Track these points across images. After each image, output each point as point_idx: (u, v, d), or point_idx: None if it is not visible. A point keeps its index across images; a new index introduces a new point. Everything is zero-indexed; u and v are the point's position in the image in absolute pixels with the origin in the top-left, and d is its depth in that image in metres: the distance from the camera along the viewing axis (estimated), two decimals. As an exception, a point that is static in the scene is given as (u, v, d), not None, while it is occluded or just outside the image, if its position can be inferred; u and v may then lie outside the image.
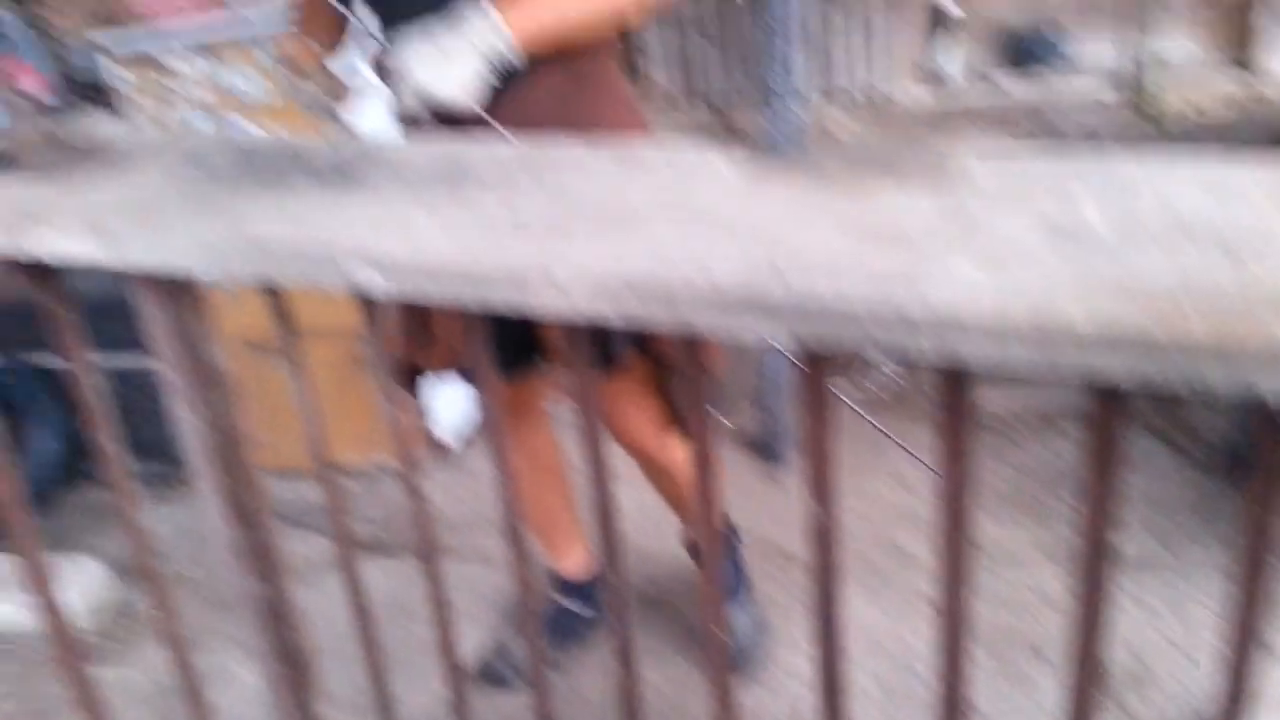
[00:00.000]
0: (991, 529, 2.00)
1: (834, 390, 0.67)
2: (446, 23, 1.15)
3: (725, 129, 2.78)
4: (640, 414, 1.47)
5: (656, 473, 1.58)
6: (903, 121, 2.64)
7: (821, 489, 0.69)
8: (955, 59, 2.58)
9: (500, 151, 0.88)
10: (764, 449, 2.33)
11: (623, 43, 2.97)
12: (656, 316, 0.60)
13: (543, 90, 1.24)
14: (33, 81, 2.63)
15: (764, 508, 2.14)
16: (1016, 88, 2.54)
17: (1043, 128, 2.53)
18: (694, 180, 0.75)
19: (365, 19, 1.21)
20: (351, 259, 0.68)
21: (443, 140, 0.96)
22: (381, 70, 1.19)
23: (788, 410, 2.23)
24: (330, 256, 0.69)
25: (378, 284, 0.68)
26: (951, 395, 0.63)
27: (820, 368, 0.65)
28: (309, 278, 0.71)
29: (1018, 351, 0.50)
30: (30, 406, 2.54)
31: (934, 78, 2.62)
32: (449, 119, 1.20)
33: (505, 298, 0.63)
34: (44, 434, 2.54)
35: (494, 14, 1.14)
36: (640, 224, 0.67)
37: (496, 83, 1.18)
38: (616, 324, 0.62)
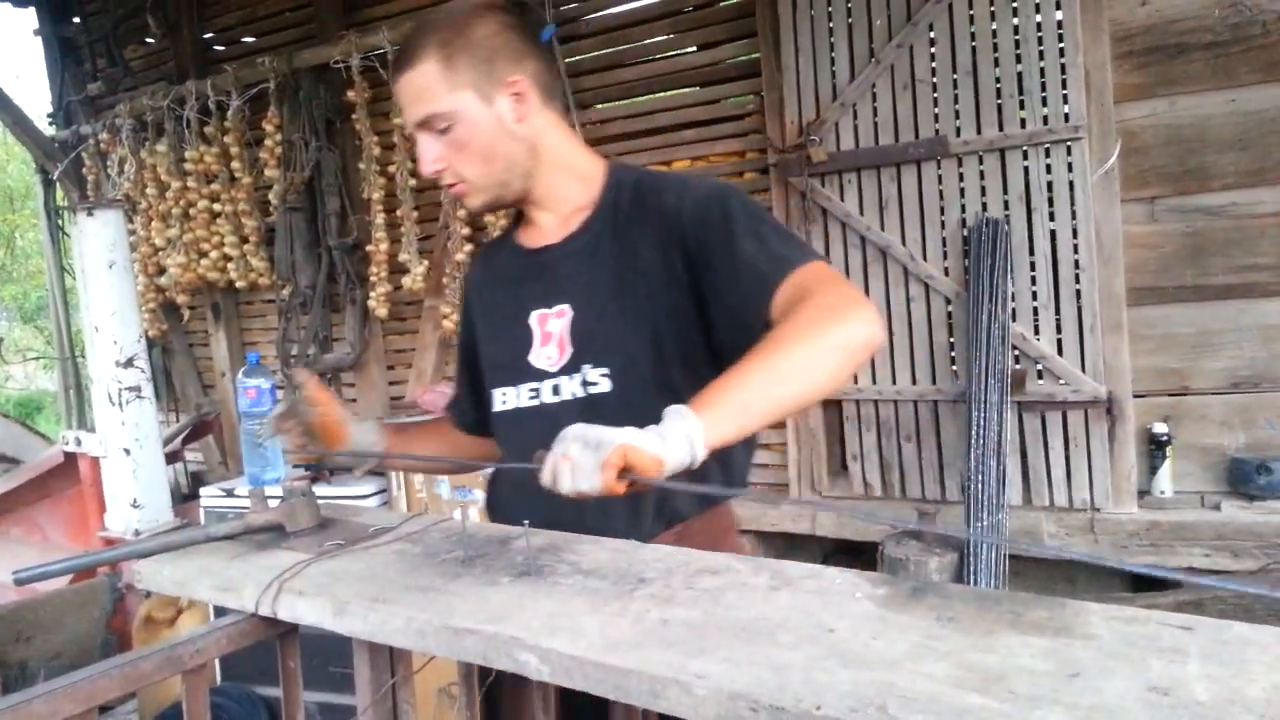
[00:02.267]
0: None
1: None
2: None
3: (927, 529, 2.81)
4: None
5: None
6: (1115, 535, 2.58)
7: None
8: (1167, 479, 2.59)
9: (668, 555, 1.00)
10: None
11: (840, 445, 3.16)
12: (769, 733, 0.65)
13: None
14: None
15: None
16: (1232, 510, 2.50)
17: (1265, 549, 2.41)
18: (833, 604, 0.83)
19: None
20: (524, 650, 0.80)
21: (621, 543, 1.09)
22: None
23: None
24: (507, 646, 0.81)
25: (542, 672, 0.79)
26: None
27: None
28: (491, 660, 0.83)
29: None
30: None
31: (1147, 496, 2.63)
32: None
33: (640, 699, 0.72)
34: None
35: (693, 416, 0.96)
36: (772, 642, 0.75)
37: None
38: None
